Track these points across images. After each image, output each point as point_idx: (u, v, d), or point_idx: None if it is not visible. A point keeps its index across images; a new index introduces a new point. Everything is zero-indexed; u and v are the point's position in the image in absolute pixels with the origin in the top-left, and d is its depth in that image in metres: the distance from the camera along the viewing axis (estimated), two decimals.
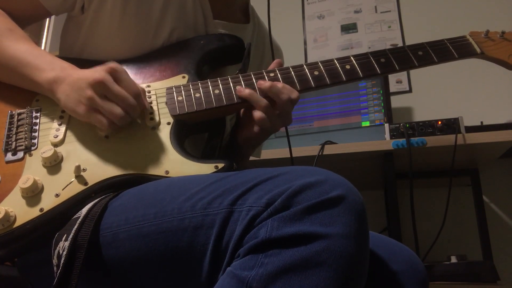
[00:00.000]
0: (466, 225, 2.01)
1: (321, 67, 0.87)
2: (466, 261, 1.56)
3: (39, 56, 0.81)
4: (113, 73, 0.75)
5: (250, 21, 1.05)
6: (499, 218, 2.04)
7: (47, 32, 2.36)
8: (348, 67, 0.87)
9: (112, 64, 0.76)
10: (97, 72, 0.74)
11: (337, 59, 0.88)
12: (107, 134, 0.78)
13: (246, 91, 0.82)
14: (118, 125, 0.76)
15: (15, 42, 0.84)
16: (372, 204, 2.15)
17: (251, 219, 0.55)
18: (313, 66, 0.87)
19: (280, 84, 0.82)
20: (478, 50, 0.91)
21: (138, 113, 0.78)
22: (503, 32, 0.94)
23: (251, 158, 1.07)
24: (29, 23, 0.96)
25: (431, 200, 2.10)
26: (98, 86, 0.73)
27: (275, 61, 0.91)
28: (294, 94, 0.83)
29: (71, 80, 0.76)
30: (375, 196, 2.15)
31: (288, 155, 1.70)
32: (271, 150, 1.72)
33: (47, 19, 2.40)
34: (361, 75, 0.87)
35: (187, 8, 0.94)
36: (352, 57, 0.88)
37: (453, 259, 1.56)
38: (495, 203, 2.05)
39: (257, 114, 0.81)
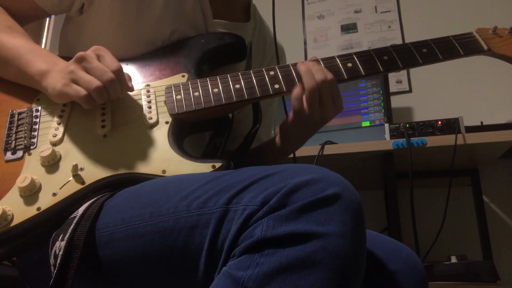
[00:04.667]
0: (466, 225, 2.01)
1: (322, 64, 0.85)
2: (466, 261, 1.56)
3: (35, 51, 0.83)
4: (95, 51, 0.77)
5: (250, 19, 1.05)
6: (499, 218, 2.04)
7: (47, 32, 2.36)
8: (350, 64, 0.85)
9: (96, 46, 0.78)
10: (80, 53, 0.77)
11: (339, 56, 0.86)
12: (105, 133, 0.78)
13: (303, 67, 0.82)
14: (96, 100, 0.76)
15: (13, 38, 0.85)
16: (372, 204, 2.14)
17: (246, 218, 0.54)
18: None
19: (320, 66, 0.83)
20: (485, 46, 0.88)
21: (118, 90, 0.77)
22: (511, 28, 0.90)
23: None
24: (28, 21, 0.97)
25: (431, 200, 2.10)
26: (79, 59, 0.76)
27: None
28: (329, 75, 0.81)
29: (60, 68, 0.78)
30: (375, 196, 2.14)
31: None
32: None
33: (47, 19, 2.40)
34: (363, 73, 0.85)
35: (186, 7, 0.93)
36: (354, 55, 0.87)
37: (453, 259, 1.56)
38: (495, 203, 2.05)
39: (296, 91, 0.81)
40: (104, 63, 0.76)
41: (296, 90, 0.81)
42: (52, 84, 0.77)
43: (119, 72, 0.76)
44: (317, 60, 0.86)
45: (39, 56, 0.82)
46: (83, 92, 0.74)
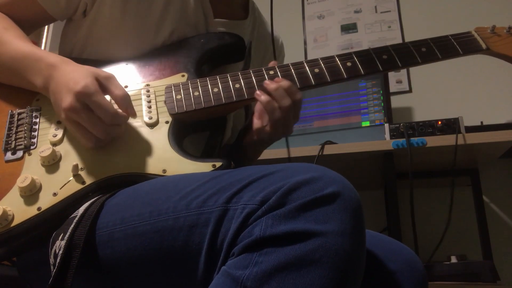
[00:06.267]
0: (466, 225, 2.01)
1: (322, 64, 0.85)
2: (466, 261, 1.56)
3: (27, 56, 0.81)
4: (83, 99, 0.71)
5: (249, 16, 1.05)
6: (499, 218, 2.04)
7: (47, 32, 2.36)
8: (349, 64, 0.86)
9: (80, 87, 0.71)
10: (68, 98, 0.71)
11: (338, 56, 0.87)
12: None
13: (264, 98, 0.81)
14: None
15: (7, 43, 0.84)
16: (372, 204, 2.14)
17: (245, 217, 0.54)
18: (313, 63, 0.86)
19: (285, 84, 0.81)
20: (483, 45, 0.89)
21: (120, 130, 0.76)
22: (510, 27, 0.91)
23: None
24: (35, 28, 0.97)
25: (431, 200, 2.10)
26: (69, 113, 0.72)
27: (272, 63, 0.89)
28: (298, 95, 0.81)
29: (53, 89, 0.76)
30: (375, 196, 2.14)
31: (287, 155, 1.70)
32: (270, 150, 1.72)
33: None
34: (363, 72, 0.85)
35: (188, 8, 0.94)
36: (353, 54, 0.87)
37: (453, 259, 1.56)
38: (495, 203, 2.05)
39: (257, 124, 0.82)
40: (99, 108, 0.72)
41: (257, 123, 0.81)
42: (57, 110, 0.76)
43: (115, 118, 0.73)
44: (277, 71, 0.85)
45: (32, 63, 0.80)
46: (85, 144, 0.75)
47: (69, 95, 0.71)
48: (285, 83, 0.81)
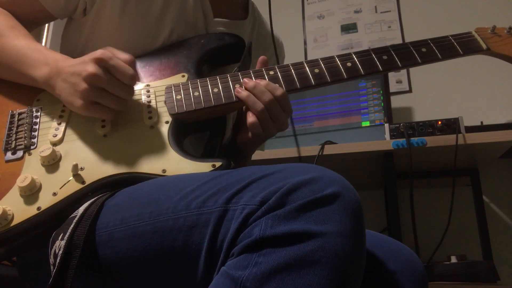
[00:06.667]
0: (466, 225, 2.01)
1: (322, 64, 0.86)
2: (466, 261, 1.56)
3: (34, 51, 0.82)
4: (102, 64, 0.74)
5: (248, 16, 1.05)
6: (499, 218, 2.04)
7: (47, 33, 2.36)
8: (349, 64, 0.86)
9: (98, 54, 0.74)
10: (88, 66, 0.74)
11: (338, 56, 0.87)
12: (105, 133, 0.78)
13: (244, 93, 0.81)
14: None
15: (14, 39, 0.85)
16: (372, 204, 2.14)
17: (245, 217, 0.54)
18: (313, 63, 0.86)
19: (263, 82, 0.82)
20: (484, 46, 0.89)
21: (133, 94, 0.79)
22: (510, 28, 0.91)
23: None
24: (34, 26, 0.97)
25: (431, 200, 2.10)
26: (93, 79, 0.73)
27: (260, 58, 0.89)
28: (278, 91, 0.81)
29: (65, 75, 0.77)
30: (375, 196, 2.15)
31: (287, 156, 1.71)
32: (272, 150, 1.72)
33: None
34: (363, 73, 0.85)
35: (187, 7, 0.94)
36: (353, 54, 0.87)
37: (453, 259, 1.56)
38: (495, 203, 2.05)
39: (250, 119, 0.81)
40: (117, 73, 0.75)
41: (250, 118, 0.81)
42: (67, 99, 0.77)
43: (133, 79, 0.76)
44: (261, 73, 0.85)
45: (39, 57, 0.81)
46: (107, 115, 0.77)
47: (88, 64, 0.74)
48: (263, 81, 0.82)
